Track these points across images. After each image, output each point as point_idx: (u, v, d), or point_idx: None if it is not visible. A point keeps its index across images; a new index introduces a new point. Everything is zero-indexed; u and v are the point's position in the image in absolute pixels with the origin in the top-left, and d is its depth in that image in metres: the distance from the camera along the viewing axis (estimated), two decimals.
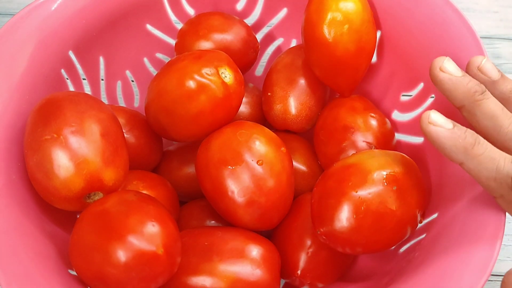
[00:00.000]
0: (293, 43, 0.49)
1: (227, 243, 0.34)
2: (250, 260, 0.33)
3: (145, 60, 0.47)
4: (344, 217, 0.32)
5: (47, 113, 0.32)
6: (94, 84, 0.44)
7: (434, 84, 0.31)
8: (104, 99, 0.46)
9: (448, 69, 0.31)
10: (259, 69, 0.52)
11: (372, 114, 0.40)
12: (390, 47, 0.41)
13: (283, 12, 0.48)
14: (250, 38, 0.44)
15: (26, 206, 0.33)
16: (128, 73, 0.47)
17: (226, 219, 0.37)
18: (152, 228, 0.29)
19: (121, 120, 0.39)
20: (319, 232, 0.33)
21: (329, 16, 0.37)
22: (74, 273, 0.32)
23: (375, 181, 0.32)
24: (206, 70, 0.35)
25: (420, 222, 0.34)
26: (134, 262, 0.28)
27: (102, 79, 0.45)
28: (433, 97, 0.38)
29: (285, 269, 0.37)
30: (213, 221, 0.40)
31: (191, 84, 0.35)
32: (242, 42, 0.44)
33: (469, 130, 0.29)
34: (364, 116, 0.40)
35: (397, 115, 0.43)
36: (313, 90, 0.43)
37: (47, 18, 0.37)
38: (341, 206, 0.32)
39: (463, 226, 0.31)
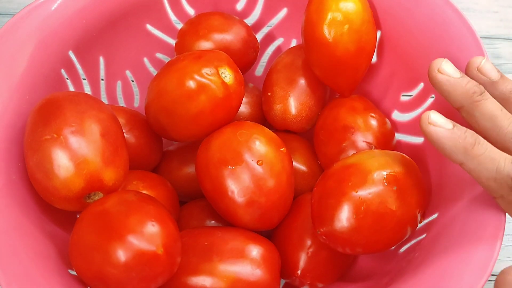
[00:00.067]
0: (293, 43, 0.49)
1: (227, 243, 0.34)
2: (250, 260, 0.33)
3: (145, 60, 0.47)
4: (344, 217, 0.32)
5: (47, 113, 0.32)
6: (94, 84, 0.44)
7: (432, 86, 0.31)
8: (104, 99, 0.46)
9: (446, 70, 0.31)
10: (259, 69, 0.52)
11: (372, 114, 0.40)
12: (390, 47, 0.41)
13: (283, 12, 0.48)
14: (250, 38, 0.44)
15: (26, 206, 0.33)
16: (128, 73, 0.47)
17: (226, 219, 0.37)
18: (152, 228, 0.29)
19: (121, 120, 0.39)
20: (319, 232, 0.33)
21: (329, 16, 0.37)
22: (74, 273, 0.32)
23: (375, 181, 0.32)
24: (206, 70, 0.35)
25: (420, 222, 0.34)
26: (134, 262, 0.28)
27: (102, 79, 0.45)
28: (433, 97, 0.38)
29: (285, 269, 0.37)
30: (213, 221, 0.40)
31: (191, 84, 0.35)
32: (242, 42, 0.44)
33: (469, 130, 0.29)
34: (364, 116, 0.40)
35: (397, 115, 0.43)
36: (313, 90, 0.43)
37: (47, 18, 0.37)
38: (341, 206, 0.32)
39: (463, 226, 0.31)
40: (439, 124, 0.29)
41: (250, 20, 0.48)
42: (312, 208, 0.34)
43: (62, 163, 0.30)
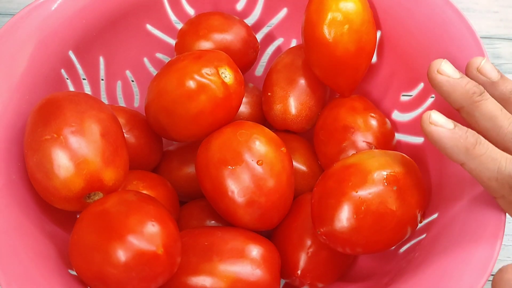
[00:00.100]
0: (293, 43, 0.49)
1: (227, 243, 0.34)
2: (250, 260, 0.33)
3: (145, 60, 0.47)
4: (344, 217, 0.32)
5: (47, 113, 0.32)
6: (94, 84, 0.44)
7: (432, 87, 0.31)
8: (104, 99, 0.46)
9: (445, 71, 0.31)
10: (259, 69, 0.52)
11: (372, 114, 0.40)
12: (390, 47, 0.41)
13: (283, 12, 0.48)
14: (250, 38, 0.44)
15: (26, 206, 0.33)
16: (128, 73, 0.47)
17: (226, 219, 0.37)
18: (152, 228, 0.29)
19: (121, 120, 0.39)
20: (319, 232, 0.33)
21: (329, 16, 0.37)
22: (74, 273, 0.32)
23: (375, 181, 0.32)
24: (206, 70, 0.35)
25: (420, 222, 0.34)
26: (134, 262, 0.28)
27: (102, 79, 0.45)
28: (433, 97, 0.38)
29: (285, 269, 0.37)
30: (213, 221, 0.40)
31: (191, 84, 0.35)
32: (242, 42, 0.44)
33: (470, 130, 0.29)
34: (364, 116, 0.40)
35: (397, 115, 0.43)
36: (313, 90, 0.43)
37: (47, 18, 0.37)
38: (341, 206, 0.32)
39: (463, 226, 0.31)
40: (440, 124, 0.29)
41: (250, 20, 0.48)
42: (312, 208, 0.34)
43: (62, 163, 0.30)
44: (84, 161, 0.31)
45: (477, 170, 0.28)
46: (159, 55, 0.48)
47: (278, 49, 0.50)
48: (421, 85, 0.39)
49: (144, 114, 0.40)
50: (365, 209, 0.31)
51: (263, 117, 0.45)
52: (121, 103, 0.47)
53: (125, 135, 0.35)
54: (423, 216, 0.35)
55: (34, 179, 0.32)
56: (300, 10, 0.41)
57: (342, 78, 0.40)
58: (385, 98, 0.43)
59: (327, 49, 0.38)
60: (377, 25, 0.40)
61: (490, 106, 0.30)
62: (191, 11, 0.47)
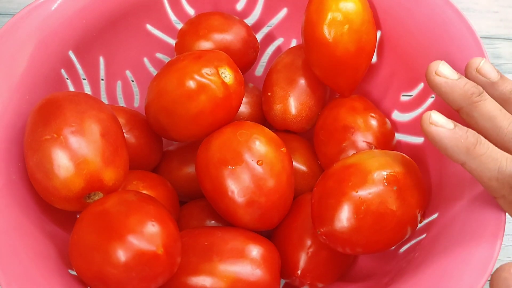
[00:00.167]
0: (293, 43, 0.49)
1: (227, 243, 0.34)
2: (250, 260, 0.33)
3: (145, 60, 0.47)
4: (344, 217, 0.32)
5: (47, 113, 0.32)
6: (94, 84, 0.44)
7: (431, 88, 0.31)
8: (104, 99, 0.46)
9: (443, 72, 0.31)
10: (259, 69, 0.52)
11: (372, 114, 0.40)
12: (390, 47, 0.41)
13: (283, 12, 0.48)
14: (250, 38, 0.44)
15: (26, 206, 0.33)
16: (128, 73, 0.47)
17: (226, 219, 0.37)
18: (152, 228, 0.29)
19: (121, 120, 0.39)
20: (319, 232, 0.33)
21: (329, 16, 0.37)
22: (74, 273, 0.32)
23: (375, 181, 0.32)
24: (206, 70, 0.35)
25: (420, 222, 0.34)
26: (134, 262, 0.28)
27: (102, 79, 0.45)
28: (433, 97, 0.38)
29: (285, 269, 0.37)
30: (213, 221, 0.40)
31: (191, 84, 0.35)
32: (242, 42, 0.44)
33: (470, 130, 0.29)
34: (364, 116, 0.40)
35: (397, 115, 0.43)
36: (313, 90, 0.43)
37: (47, 18, 0.37)
38: (341, 206, 0.32)
39: (463, 226, 0.31)
40: (441, 124, 0.29)
41: (250, 20, 0.48)
42: (312, 208, 0.34)
43: (62, 163, 0.30)
44: (84, 161, 0.31)
45: (477, 170, 0.28)
46: (159, 55, 0.48)
47: (278, 49, 0.50)
48: (421, 85, 0.39)
49: (144, 114, 0.40)
50: (365, 209, 0.31)
51: (263, 117, 0.45)
52: (121, 103, 0.47)
53: (125, 135, 0.35)
54: (423, 216, 0.35)
55: (34, 179, 0.32)
56: (300, 10, 0.41)
57: (342, 78, 0.40)
58: (385, 98, 0.43)
59: (327, 49, 0.38)
60: (377, 25, 0.40)
61: (489, 106, 0.30)
62: (191, 11, 0.47)
